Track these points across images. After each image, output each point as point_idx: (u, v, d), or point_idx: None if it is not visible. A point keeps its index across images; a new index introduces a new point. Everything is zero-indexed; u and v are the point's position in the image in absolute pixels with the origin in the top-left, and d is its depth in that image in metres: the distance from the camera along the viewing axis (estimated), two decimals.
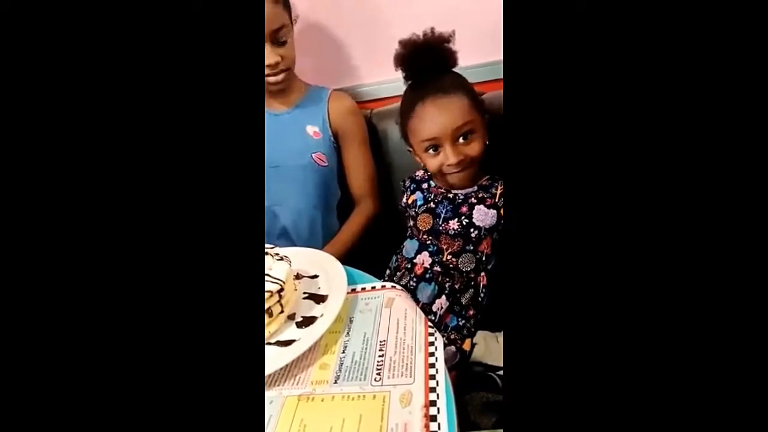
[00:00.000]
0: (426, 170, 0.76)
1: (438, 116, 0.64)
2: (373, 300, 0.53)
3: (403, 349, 0.45)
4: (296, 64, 0.85)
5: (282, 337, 0.48)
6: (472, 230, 0.68)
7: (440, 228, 0.70)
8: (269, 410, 0.41)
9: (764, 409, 0.19)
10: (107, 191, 0.24)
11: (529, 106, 0.23)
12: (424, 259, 0.69)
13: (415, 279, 0.69)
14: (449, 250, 0.68)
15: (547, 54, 0.22)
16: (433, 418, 0.36)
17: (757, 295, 0.20)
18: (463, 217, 0.69)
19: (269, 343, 0.48)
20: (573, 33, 0.22)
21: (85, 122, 0.23)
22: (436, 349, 0.44)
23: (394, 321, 0.49)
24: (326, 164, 0.88)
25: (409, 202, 0.77)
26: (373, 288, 0.56)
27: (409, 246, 0.73)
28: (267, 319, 0.48)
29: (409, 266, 0.71)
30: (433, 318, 0.65)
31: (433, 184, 0.76)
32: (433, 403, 0.38)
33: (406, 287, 0.63)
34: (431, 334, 0.46)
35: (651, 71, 0.21)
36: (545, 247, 0.23)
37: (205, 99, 0.25)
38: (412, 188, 0.78)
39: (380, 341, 0.46)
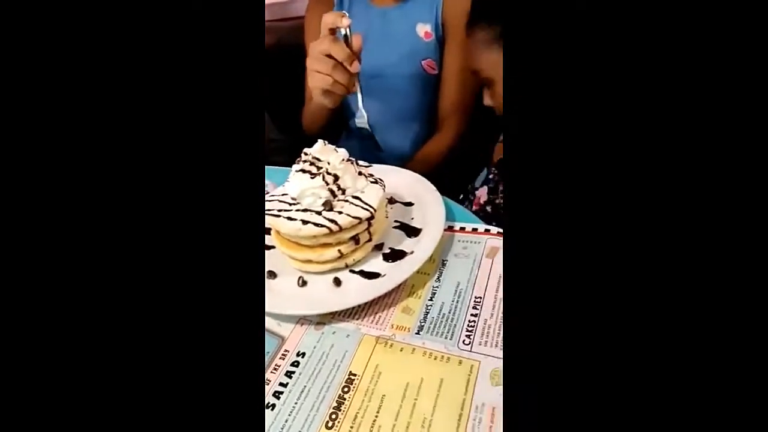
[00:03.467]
0: None
1: None
2: (472, 245, 0.46)
3: (503, 313, 0.38)
4: None
5: (366, 267, 0.44)
6: None
7: None
8: (345, 345, 0.38)
9: (764, 408, 0.18)
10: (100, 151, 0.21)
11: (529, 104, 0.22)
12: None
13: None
14: None
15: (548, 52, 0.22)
16: None
17: (758, 291, 0.19)
18: None
19: (352, 271, 0.44)
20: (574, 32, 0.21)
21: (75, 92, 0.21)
22: None
23: (495, 276, 0.42)
24: (436, 72, 0.76)
25: None
26: (475, 230, 0.48)
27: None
28: (352, 246, 0.44)
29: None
30: None
31: None
32: None
33: None
34: None
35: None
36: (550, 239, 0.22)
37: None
38: None
39: (475, 297, 0.40)
